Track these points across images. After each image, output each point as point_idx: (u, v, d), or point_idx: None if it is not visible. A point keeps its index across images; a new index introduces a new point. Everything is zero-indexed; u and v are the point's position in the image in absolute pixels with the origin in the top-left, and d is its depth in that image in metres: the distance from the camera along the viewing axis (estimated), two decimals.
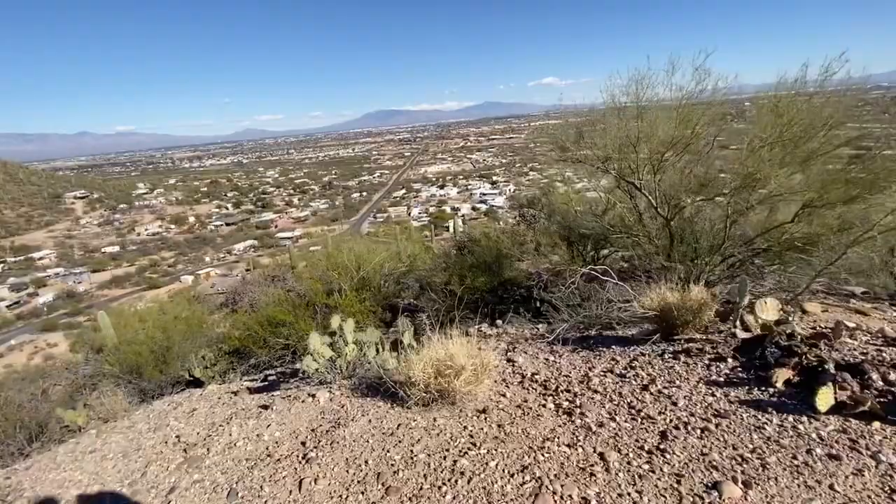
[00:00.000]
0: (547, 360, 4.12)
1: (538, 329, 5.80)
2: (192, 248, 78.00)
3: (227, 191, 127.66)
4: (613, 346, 4.12)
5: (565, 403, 2.92)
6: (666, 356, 3.57)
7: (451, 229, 16.20)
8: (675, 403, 2.71)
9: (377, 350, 3.82)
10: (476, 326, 6.16)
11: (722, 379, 2.94)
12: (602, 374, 3.44)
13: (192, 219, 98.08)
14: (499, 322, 6.21)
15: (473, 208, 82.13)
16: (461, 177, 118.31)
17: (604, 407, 2.83)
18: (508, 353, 4.47)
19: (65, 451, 4.02)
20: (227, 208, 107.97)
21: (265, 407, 3.34)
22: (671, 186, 4.59)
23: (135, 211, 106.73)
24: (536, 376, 3.56)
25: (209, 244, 79.35)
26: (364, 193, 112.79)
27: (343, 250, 8.69)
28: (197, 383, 6.87)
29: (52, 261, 75.45)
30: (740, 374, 2.95)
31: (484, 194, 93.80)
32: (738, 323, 3.57)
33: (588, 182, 8.38)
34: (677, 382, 3.01)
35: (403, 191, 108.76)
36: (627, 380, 3.19)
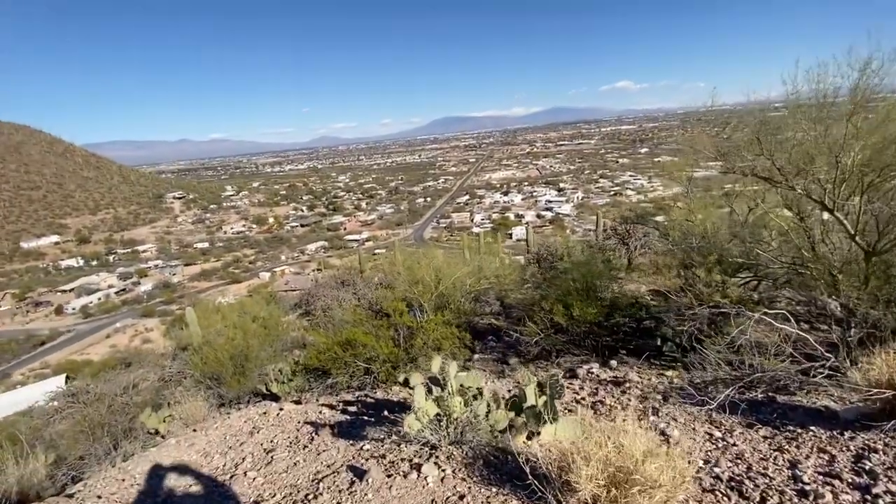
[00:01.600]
0: (712, 436, 3.09)
1: (668, 377, 4.70)
2: (270, 246, 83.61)
3: (302, 194, 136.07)
4: (811, 427, 3.00)
5: None
6: None
7: (526, 241, 15.18)
8: None
9: (488, 406, 3.04)
10: (585, 367, 5.18)
11: None
12: (822, 478, 2.38)
13: (271, 219, 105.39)
14: (612, 363, 5.17)
15: (538, 215, 79.63)
16: (526, 183, 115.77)
17: None
18: (651, 418, 3.48)
19: (141, 477, 3.71)
20: (302, 210, 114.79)
21: (357, 474, 2.69)
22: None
23: (222, 211, 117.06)
24: (717, 470, 2.57)
25: (285, 244, 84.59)
26: (428, 199, 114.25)
27: (423, 265, 8.10)
28: (273, 397, 6.61)
29: (152, 254, 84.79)
30: None
31: (550, 201, 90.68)
32: None
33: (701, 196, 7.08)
34: None
35: (467, 196, 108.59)
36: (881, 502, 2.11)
